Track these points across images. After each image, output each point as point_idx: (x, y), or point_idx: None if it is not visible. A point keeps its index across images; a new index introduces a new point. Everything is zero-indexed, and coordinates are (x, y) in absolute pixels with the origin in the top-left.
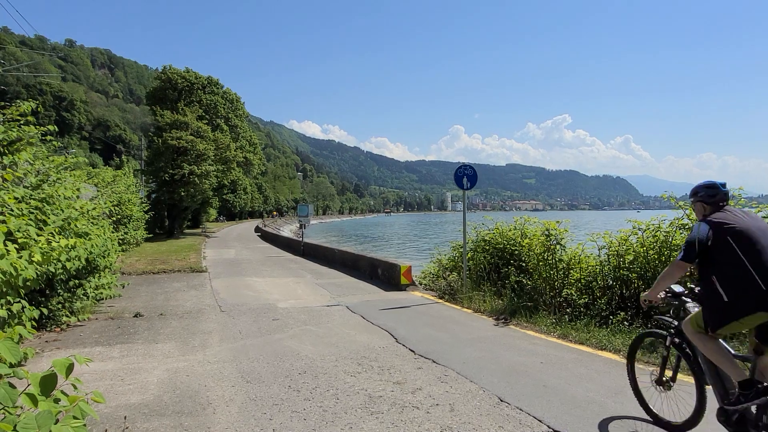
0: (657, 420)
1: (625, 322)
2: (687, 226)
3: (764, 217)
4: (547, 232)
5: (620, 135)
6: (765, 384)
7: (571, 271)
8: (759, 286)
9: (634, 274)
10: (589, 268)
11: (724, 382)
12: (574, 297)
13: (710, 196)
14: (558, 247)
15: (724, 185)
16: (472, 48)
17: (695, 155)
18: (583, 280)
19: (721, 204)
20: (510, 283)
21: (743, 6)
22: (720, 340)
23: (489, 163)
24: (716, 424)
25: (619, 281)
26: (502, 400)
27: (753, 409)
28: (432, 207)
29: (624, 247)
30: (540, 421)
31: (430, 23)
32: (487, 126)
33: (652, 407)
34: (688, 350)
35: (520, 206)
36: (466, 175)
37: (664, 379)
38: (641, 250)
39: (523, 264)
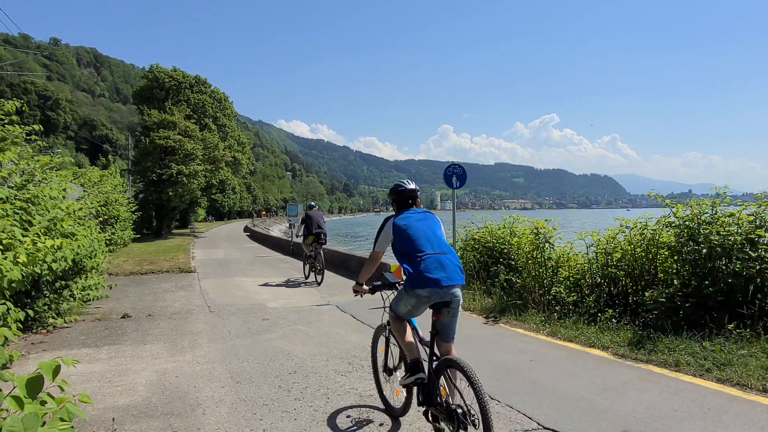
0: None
1: (613, 320)
2: (674, 224)
3: (750, 214)
4: (535, 231)
5: (607, 134)
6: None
7: (560, 269)
8: (310, 229)
9: (621, 272)
10: (578, 266)
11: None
12: (562, 295)
13: (309, 208)
14: (547, 245)
15: (314, 204)
16: (461, 48)
17: (681, 154)
18: (571, 278)
19: (311, 208)
20: (499, 281)
21: (730, 7)
22: None
23: (478, 162)
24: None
25: (607, 279)
26: (492, 398)
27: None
28: (422, 206)
29: (612, 245)
30: (530, 418)
31: (419, 24)
32: (475, 125)
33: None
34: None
35: (509, 205)
36: (455, 174)
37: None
38: (629, 248)
39: (513, 262)
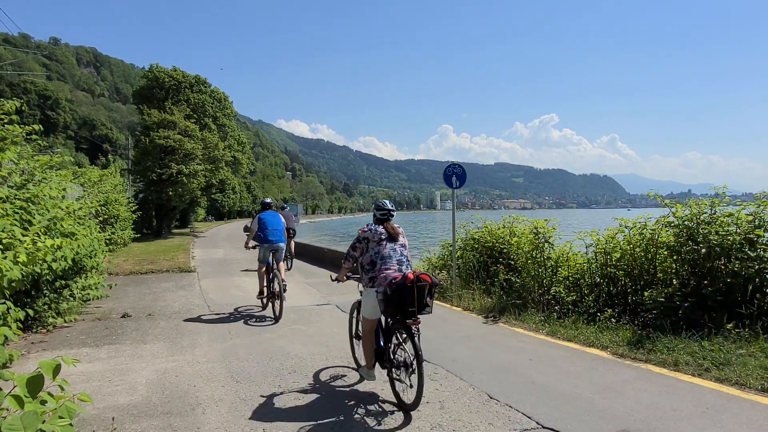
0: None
1: (613, 319)
2: (673, 224)
3: (749, 214)
4: (535, 231)
5: (606, 134)
6: None
7: (560, 269)
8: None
9: (621, 272)
10: (577, 265)
11: None
12: (562, 294)
13: (279, 208)
14: (546, 245)
15: (283, 206)
16: (460, 48)
17: (681, 154)
18: (571, 278)
19: (281, 209)
20: (499, 281)
21: (729, 7)
22: None
23: (477, 162)
24: None
25: (606, 278)
26: (491, 398)
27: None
28: (421, 206)
29: (611, 244)
30: (529, 417)
31: (418, 24)
32: (475, 125)
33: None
34: None
35: (508, 205)
36: (455, 174)
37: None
38: (628, 247)
39: (512, 262)
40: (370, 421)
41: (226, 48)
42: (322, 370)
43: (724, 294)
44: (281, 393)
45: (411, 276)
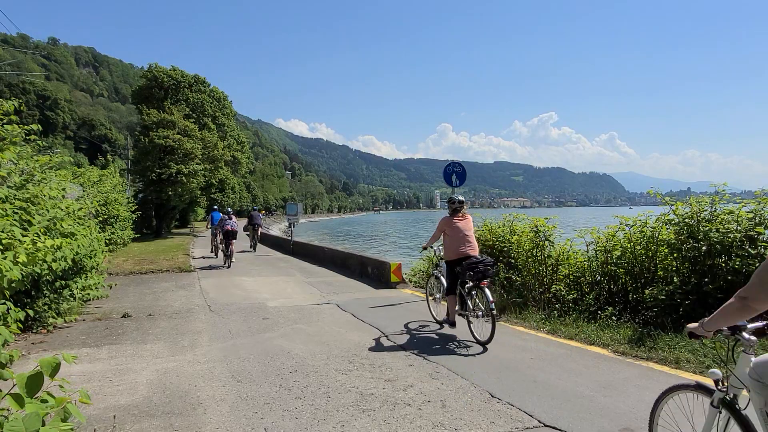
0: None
1: (613, 317)
2: (673, 222)
3: (749, 211)
4: (535, 229)
5: (605, 132)
6: None
7: (560, 267)
8: (251, 221)
9: (621, 270)
10: (578, 263)
11: None
12: (562, 293)
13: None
14: (546, 243)
15: (256, 208)
16: (459, 47)
17: (679, 152)
18: (571, 276)
19: (254, 210)
20: (499, 279)
21: (727, 6)
22: None
23: (477, 160)
24: None
25: (606, 276)
26: (492, 396)
27: None
28: (421, 205)
29: (611, 242)
30: (531, 416)
31: (417, 23)
32: (474, 124)
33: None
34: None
35: (508, 203)
36: (455, 173)
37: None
38: (628, 245)
39: (513, 260)
40: (373, 422)
41: (224, 47)
42: (323, 369)
43: (725, 291)
44: (283, 393)
45: (230, 228)
